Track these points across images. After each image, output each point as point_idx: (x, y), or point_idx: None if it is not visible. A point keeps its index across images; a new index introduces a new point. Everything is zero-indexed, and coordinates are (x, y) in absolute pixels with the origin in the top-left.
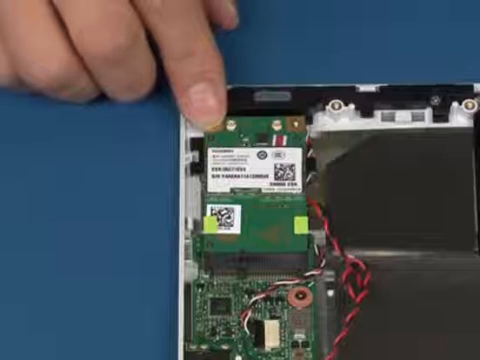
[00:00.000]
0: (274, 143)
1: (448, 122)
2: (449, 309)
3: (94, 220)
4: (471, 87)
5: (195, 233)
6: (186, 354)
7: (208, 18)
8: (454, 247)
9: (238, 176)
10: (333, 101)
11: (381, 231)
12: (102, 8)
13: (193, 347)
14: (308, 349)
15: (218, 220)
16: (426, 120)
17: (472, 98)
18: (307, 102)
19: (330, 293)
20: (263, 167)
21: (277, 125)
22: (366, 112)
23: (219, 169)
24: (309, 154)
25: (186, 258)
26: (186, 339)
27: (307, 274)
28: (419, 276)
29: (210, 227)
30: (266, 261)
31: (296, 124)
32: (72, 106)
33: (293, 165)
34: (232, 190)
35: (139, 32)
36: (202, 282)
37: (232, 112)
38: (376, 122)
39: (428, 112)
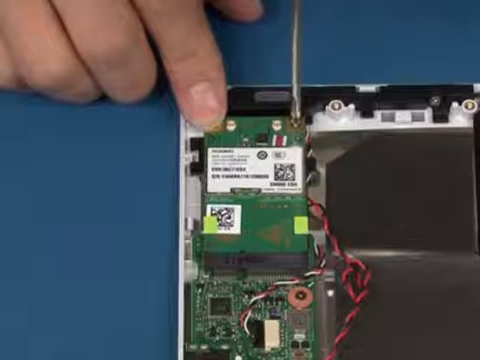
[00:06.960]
0: (274, 143)
1: (448, 122)
2: (449, 309)
3: (94, 220)
4: (471, 87)
5: (195, 233)
6: (186, 354)
7: (230, 9)
8: (454, 247)
9: (238, 176)
10: (333, 101)
11: (381, 231)
12: (102, 9)
13: (193, 347)
14: (308, 349)
15: (218, 220)
16: (426, 120)
17: (472, 98)
18: (307, 102)
19: (330, 293)
20: (263, 167)
21: (277, 125)
22: (366, 112)
23: (219, 169)
24: (309, 154)
25: (186, 258)
26: (186, 339)
27: (307, 274)
28: (419, 276)
29: (210, 227)
30: (266, 261)
31: (296, 124)
32: (72, 106)
33: (293, 165)
34: (232, 190)
35: (139, 33)
36: (202, 282)
37: (232, 112)
38: (376, 122)
39: (428, 112)
